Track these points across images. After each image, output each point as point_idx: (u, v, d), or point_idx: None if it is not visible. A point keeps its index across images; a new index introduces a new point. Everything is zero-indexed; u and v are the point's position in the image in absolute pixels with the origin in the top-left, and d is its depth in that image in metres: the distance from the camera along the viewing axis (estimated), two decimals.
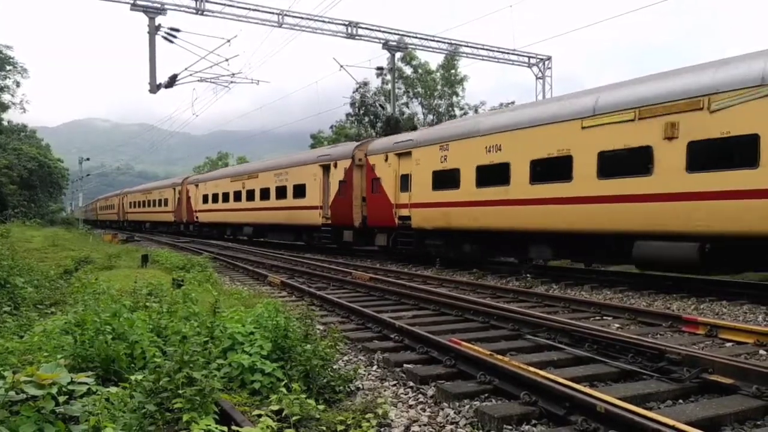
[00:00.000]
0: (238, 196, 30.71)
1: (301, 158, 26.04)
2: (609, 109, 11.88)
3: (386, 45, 31.45)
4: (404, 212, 18.12)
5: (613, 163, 11.80)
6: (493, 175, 14.63)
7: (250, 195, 29.21)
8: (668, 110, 10.73)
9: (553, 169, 13.05)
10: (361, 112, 42.98)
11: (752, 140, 9.53)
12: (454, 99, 45.87)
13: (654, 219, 10.97)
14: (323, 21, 28.37)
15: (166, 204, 43.83)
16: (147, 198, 49.75)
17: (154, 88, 24.87)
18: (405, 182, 18.17)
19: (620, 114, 11.57)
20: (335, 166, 22.01)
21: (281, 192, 26.07)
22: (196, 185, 37.56)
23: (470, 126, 16.12)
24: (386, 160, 19.14)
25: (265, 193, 27.65)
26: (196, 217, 37.45)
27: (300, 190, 24.44)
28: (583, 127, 12.33)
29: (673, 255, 10.75)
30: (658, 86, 11.25)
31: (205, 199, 35.54)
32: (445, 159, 16.40)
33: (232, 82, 27.30)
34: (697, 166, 10.36)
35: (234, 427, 3.58)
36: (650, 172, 11.01)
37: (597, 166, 12.00)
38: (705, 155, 10.26)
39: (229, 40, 24.16)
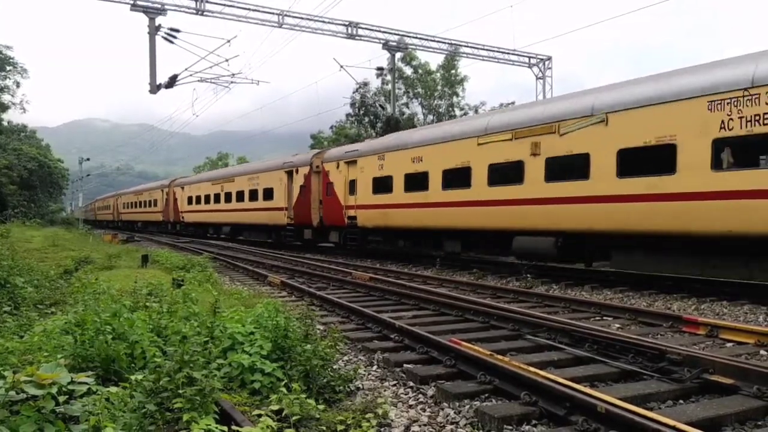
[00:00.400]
0: (217, 198, 33.31)
1: (269, 165, 28.54)
2: (496, 130, 14.52)
3: (386, 45, 31.45)
4: (352, 213, 20.60)
5: (498, 173, 14.35)
6: (417, 182, 17.23)
7: (228, 197, 31.82)
8: (533, 132, 13.38)
9: (458, 177, 15.58)
10: (362, 112, 42.99)
11: (586, 158, 12.10)
12: (454, 99, 45.88)
13: (525, 218, 13.54)
14: (323, 21, 28.40)
15: (155, 204, 46.05)
16: (138, 199, 52.05)
17: (155, 88, 24.87)
18: (353, 187, 20.65)
19: (503, 134, 14.24)
20: (297, 172, 24.38)
21: (253, 195, 28.59)
22: (182, 187, 39.70)
23: (401, 139, 18.93)
24: (338, 167, 21.68)
25: (240, 196, 30.21)
26: (182, 217, 39.59)
27: (269, 194, 26.96)
28: (479, 144, 14.91)
29: (538, 247, 13.37)
30: (527, 113, 14.05)
31: (190, 201, 37.89)
32: (382, 167, 19.06)
33: (232, 82, 27.32)
34: (552, 177, 12.93)
35: (234, 427, 3.58)
36: (522, 181, 13.56)
37: (487, 176, 14.60)
38: (557, 168, 12.86)
39: (229, 41, 24.17)
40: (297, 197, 24.23)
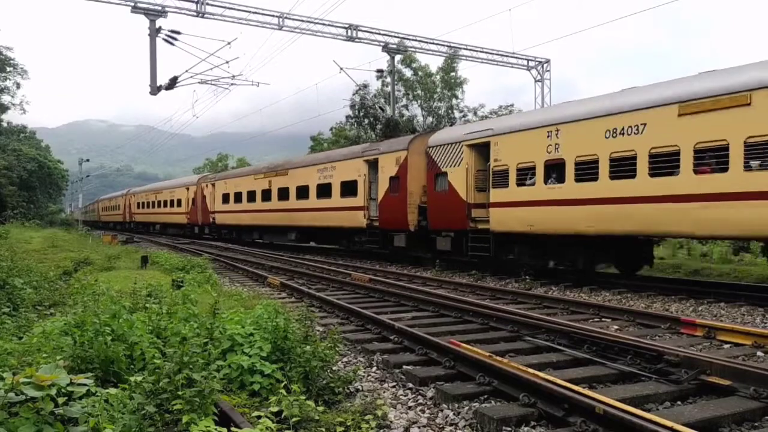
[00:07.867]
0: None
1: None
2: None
3: (386, 48, 31.50)
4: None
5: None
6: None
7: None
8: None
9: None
10: (361, 114, 42.93)
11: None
12: (454, 101, 45.89)
13: None
14: (323, 24, 28.41)
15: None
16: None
17: (155, 89, 24.89)
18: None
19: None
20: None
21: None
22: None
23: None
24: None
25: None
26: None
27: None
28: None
29: None
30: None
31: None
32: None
33: (232, 84, 27.30)
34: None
35: (233, 429, 3.59)
36: None
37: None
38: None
39: (229, 43, 24.15)
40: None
